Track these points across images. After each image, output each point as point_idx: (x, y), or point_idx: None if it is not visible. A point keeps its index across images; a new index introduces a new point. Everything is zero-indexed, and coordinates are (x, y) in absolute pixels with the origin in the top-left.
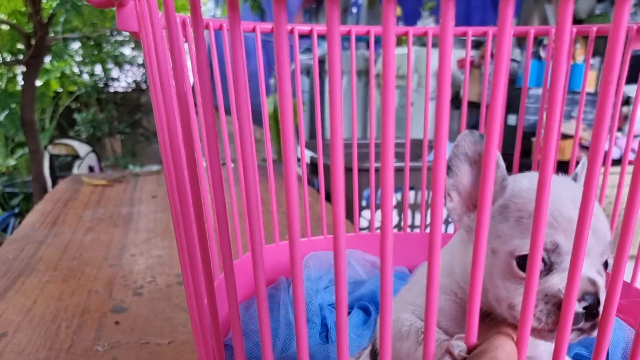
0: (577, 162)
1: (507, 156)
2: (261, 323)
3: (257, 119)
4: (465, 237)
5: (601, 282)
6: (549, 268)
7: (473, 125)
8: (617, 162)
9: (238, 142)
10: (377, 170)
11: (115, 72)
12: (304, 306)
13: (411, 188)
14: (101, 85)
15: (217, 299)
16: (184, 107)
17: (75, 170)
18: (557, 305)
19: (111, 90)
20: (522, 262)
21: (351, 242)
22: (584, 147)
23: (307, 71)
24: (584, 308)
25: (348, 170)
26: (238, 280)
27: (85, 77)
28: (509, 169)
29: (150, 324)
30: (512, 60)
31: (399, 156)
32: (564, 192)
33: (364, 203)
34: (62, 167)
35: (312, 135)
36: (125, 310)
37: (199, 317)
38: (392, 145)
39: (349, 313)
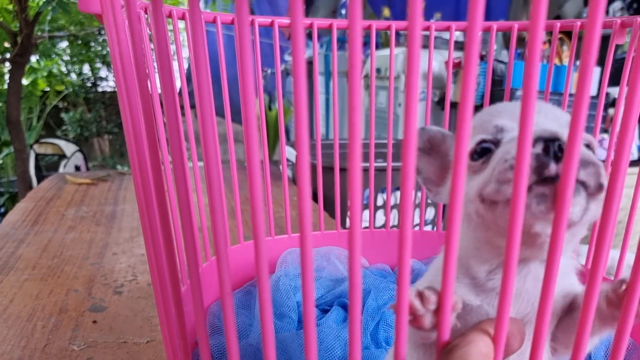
0: None
1: None
2: (226, 321)
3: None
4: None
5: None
6: (497, 145)
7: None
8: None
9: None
10: (367, 170)
11: (103, 72)
12: (269, 302)
13: (397, 188)
14: (89, 84)
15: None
16: (145, 94)
17: (61, 170)
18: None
19: (99, 89)
20: (476, 151)
21: (334, 239)
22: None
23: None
24: (543, 149)
25: (330, 169)
26: (214, 279)
27: (73, 76)
28: None
29: (129, 323)
30: (499, 61)
31: (384, 156)
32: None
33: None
34: (49, 167)
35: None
36: (104, 309)
37: (166, 319)
38: (359, 145)
39: (328, 310)
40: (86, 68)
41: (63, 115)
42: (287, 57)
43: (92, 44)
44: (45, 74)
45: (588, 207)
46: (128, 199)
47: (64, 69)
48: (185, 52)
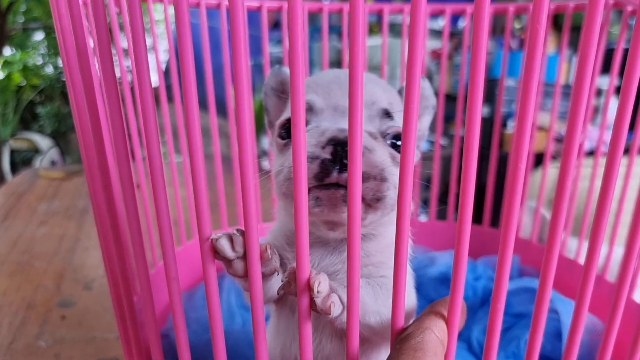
0: (554, 157)
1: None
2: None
3: (224, 111)
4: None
5: (372, 142)
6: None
7: (448, 117)
8: (590, 154)
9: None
10: None
11: None
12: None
13: None
14: (65, 78)
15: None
16: (89, 90)
17: (36, 165)
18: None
19: None
20: (282, 131)
21: None
22: (558, 140)
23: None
24: (331, 154)
25: None
26: (180, 269)
27: (49, 69)
28: (484, 160)
29: (99, 318)
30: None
31: None
32: (330, 72)
33: None
34: (24, 162)
35: None
36: (73, 304)
37: (128, 312)
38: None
39: None
40: None
41: (39, 109)
42: (272, 49)
43: None
44: (20, 67)
45: (365, 216)
46: None
47: (40, 61)
48: (163, 44)
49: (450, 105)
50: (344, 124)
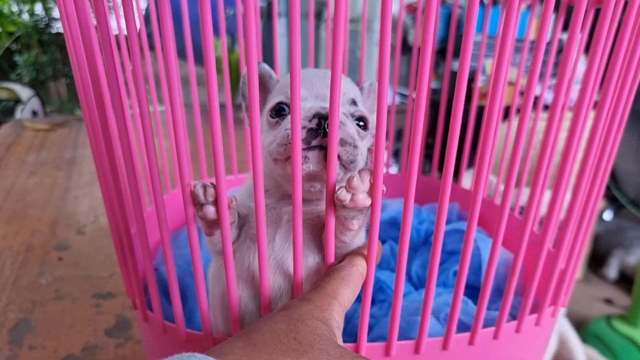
0: (518, 110)
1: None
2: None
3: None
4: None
5: (345, 119)
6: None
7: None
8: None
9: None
10: None
11: (57, 12)
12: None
13: None
14: (42, 25)
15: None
16: (87, 40)
17: (18, 115)
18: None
19: (53, 31)
20: (273, 113)
21: None
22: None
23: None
24: (316, 125)
25: None
26: (172, 210)
27: (26, 16)
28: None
29: (92, 259)
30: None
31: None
32: (309, 69)
33: None
34: (5, 112)
35: None
36: (68, 247)
37: (127, 247)
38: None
39: None
40: (39, 8)
41: (17, 57)
42: None
43: None
44: None
45: (340, 173)
46: (87, 144)
47: (15, 8)
48: None
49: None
50: (325, 105)
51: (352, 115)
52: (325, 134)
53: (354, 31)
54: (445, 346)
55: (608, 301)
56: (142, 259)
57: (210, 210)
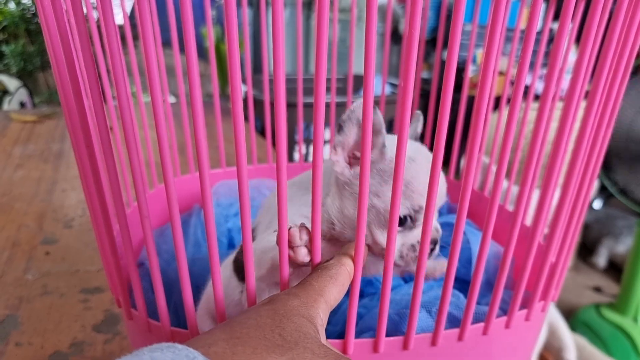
0: (509, 100)
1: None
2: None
3: (198, 52)
4: (340, 183)
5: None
6: (414, 223)
7: None
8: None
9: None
10: (308, 105)
11: None
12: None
13: None
14: (29, 15)
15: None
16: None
17: (5, 107)
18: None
19: None
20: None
21: (267, 172)
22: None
23: (250, 2)
24: (431, 249)
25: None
26: (153, 208)
27: (12, 5)
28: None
29: (80, 253)
30: None
31: (341, 91)
32: (423, 163)
33: (295, 137)
34: None
35: (257, 69)
36: (56, 242)
37: (109, 244)
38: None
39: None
40: None
41: (4, 47)
42: None
43: None
44: None
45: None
46: None
47: None
48: None
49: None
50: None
51: None
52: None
53: (344, 21)
54: (434, 342)
55: (597, 289)
56: (124, 256)
57: (302, 252)
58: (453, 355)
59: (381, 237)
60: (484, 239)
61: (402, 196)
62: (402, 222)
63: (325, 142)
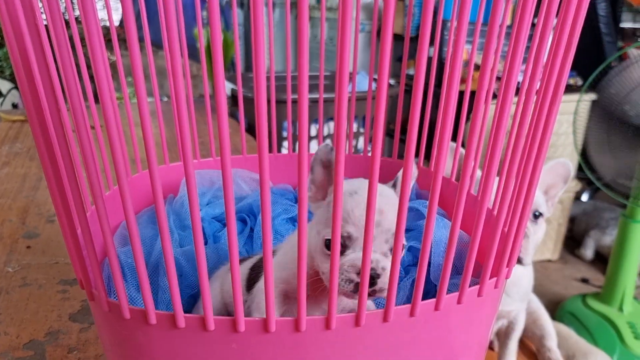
0: (495, 95)
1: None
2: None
3: (191, 53)
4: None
5: (384, 260)
6: (345, 249)
7: (398, 58)
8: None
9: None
10: (294, 101)
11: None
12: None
13: (331, 118)
14: None
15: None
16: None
17: None
18: (354, 274)
19: None
20: (328, 243)
21: (239, 163)
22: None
23: (242, 3)
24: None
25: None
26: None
27: None
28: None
29: (61, 247)
30: None
31: (328, 88)
32: (362, 197)
33: (284, 134)
34: None
35: (248, 68)
36: (37, 235)
37: (72, 239)
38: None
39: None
40: None
41: None
42: None
43: None
44: None
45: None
46: None
47: None
48: None
49: (401, 45)
50: (375, 249)
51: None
52: (372, 285)
53: (333, 19)
54: (386, 318)
55: (584, 281)
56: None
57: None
58: (406, 331)
59: (322, 265)
60: (454, 222)
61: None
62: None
63: (310, 137)
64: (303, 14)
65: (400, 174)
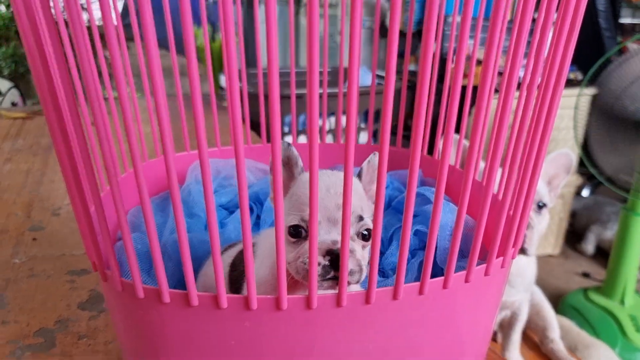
0: (497, 90)
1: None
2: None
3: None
4: None
5: (353, 244)
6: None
7: (400, 54)
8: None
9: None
10: (298, 96)
11: None
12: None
13: (332, 113)
14: None
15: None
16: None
17: None
18: (320, 256)
19: None
20: (291, 230)
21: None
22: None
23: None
24: (329, 261)
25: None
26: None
27: (2, 8)
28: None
29: (67, 239)
30: None
31: (330, 84)
32: (322, 182)
33: (286, 129)
34: None
35: (249, 64)
36: (43, 228)
37: (85, 221)
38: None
39: (233, 212)
40: None
41: None
42: None
43: None
44: None
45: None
46: None
47: None
48: None
49: (402, 41)
50: (336, 234)
51: (358, 234)
52: (337, 268)
53: (334, 16)
54: (395, 296)
55: (586, 275)
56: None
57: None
58: (415, 309)
59: (287, 255)
60: (460, 210)
61: (293, 208)
62: (295, 233)
63: (299, 132)
64: (313, 10)
65: (365, 163)
